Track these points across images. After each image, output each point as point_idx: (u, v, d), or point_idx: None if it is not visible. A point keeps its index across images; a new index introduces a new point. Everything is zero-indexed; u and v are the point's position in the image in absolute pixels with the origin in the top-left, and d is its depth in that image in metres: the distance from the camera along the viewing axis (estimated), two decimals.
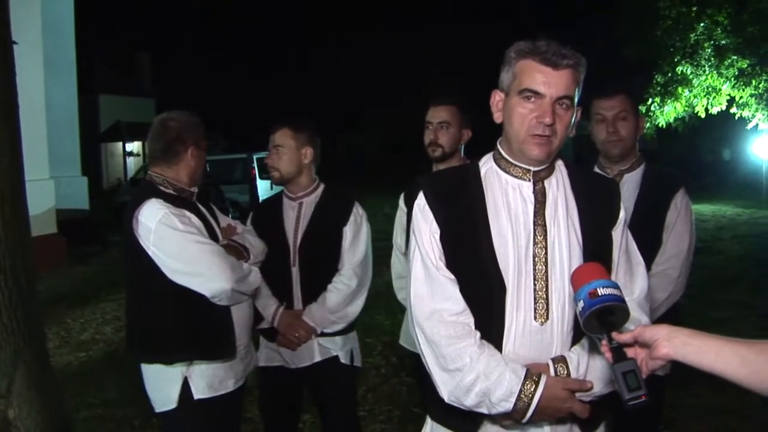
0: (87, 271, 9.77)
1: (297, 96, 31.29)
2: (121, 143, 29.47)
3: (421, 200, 1.75)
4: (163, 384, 2.39)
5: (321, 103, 27.70)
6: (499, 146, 1.77)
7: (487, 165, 1.78)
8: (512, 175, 1.72)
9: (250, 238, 2.67)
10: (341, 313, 2.82)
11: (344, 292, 2.82)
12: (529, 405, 1.56)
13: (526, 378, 1.58)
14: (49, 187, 10.25)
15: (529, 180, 1.71)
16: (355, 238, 2.88)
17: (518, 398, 1.56)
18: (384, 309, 6.55)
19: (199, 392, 2.37)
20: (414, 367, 3.36)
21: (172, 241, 2.28)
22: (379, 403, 4.46)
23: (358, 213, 2.90)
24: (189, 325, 2.35)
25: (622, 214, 1.77)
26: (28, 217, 3.29)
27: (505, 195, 1.71)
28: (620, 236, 1.75)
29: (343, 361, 2.88)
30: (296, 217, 2.88)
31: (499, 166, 1.75)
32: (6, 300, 3.00)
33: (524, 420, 1.59)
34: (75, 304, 7.65)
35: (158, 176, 2.45)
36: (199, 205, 2.54)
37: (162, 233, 2.27)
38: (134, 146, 29.87)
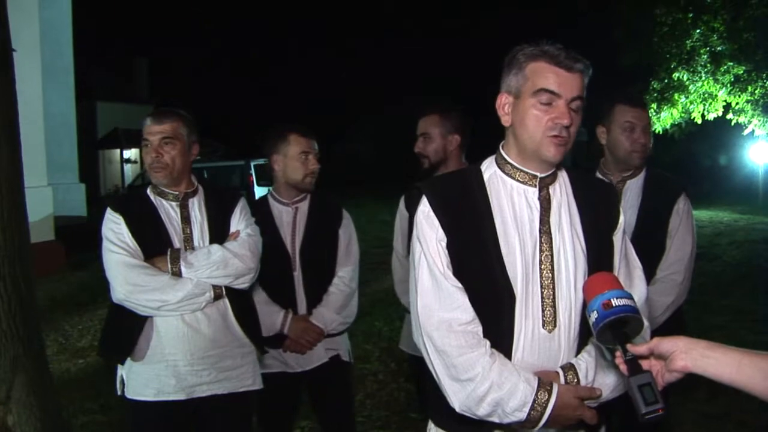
0: (84, 277, 9.72)
1: (294, 103, 31.36)
2: (118, 150, 29.38)
3: (425, 207, 1.71)
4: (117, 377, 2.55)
5: (317, 109, 27.73)
6: (502, 150, 1.74)
7: (490, 170, 1.74)
8: (518, 180, 1.70)
9: (238, 250, 2.47)
10: (346, 313, 2.91)
11: (347, 293, 2.91)
12: (542, 414, 1.56)
13: (539, 387, 1.56)
14: (46, 193, 10.24)
15: (535, 186, 1.69)
16: (350, 241, 2.98)
17: (532, 408, 1.55)
18: (382, 315, 6.56)
19: (129, 391, 2.46)
20: (412, 373, 3.36)
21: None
22: (377, 408, 4.45)
23: (347, 216, 3.02)
24: (106, 325, 2.61)
25: (621, 218, 1.77)
26: (27, 223, 3.29)
27: (511, 201, 1.69)
28: (620, 241, 1.75)
29: (344, 358, 2.96)
30: (292, 223, 2.89)
31: (504, 171, 1.72)
32: (5, 306, 3.00)
33: (536, 429, 1.59)
34: (73, 310, 7.64)
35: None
36: (163, 202, 2.51)
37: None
38: (132, 153, 29.79)
